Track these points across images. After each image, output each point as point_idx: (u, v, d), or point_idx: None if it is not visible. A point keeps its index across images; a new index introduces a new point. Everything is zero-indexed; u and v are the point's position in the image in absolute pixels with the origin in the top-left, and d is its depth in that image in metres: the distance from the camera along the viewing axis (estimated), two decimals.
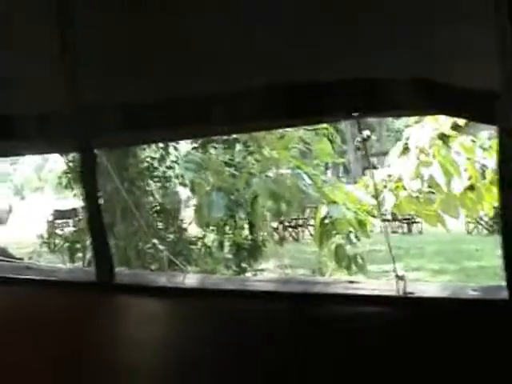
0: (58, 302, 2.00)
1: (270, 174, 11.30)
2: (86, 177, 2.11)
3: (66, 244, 15.53)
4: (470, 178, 7.79)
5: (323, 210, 9.66)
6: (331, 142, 11.40)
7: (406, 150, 8.23)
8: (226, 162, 12.67)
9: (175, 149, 14.73)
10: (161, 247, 9.81)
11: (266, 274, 14.09)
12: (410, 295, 1.93)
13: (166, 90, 2.28)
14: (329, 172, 25.97)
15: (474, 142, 7.79)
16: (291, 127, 9.71)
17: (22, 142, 2.68)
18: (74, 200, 18.63)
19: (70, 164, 15.07)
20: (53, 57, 2.05)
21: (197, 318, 1.92)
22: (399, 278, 1.95)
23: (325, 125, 10.49)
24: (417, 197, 8.19)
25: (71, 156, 14.80)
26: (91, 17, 1.96)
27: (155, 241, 9.99)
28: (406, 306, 1.92)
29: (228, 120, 2.27)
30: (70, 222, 21.92)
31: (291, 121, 2.70)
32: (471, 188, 7.85)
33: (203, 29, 1.97)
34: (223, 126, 2.44)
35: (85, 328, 1.98)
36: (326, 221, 9.58)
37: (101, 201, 2.20)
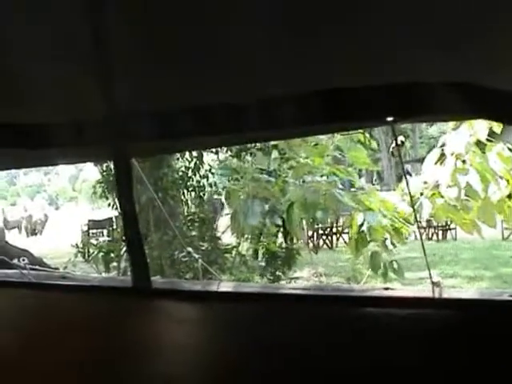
0: (95, 307, 2.00)
1: (305, 181, 11.27)
2: (121, 185, 2.10)
3: (101, 254, 15.60)
4: (507, 185, 7.71)
5: (359, 218, 9.62)
6: (366, 148, 11.34)
7: (442, 156, 8.17)
8: (261, 170, 12.66)
9: (210, 157, 14.77)
10: (195, 256, 9.82)
11: (300, 282, 14.06)
12: (451, 298, 1.91)
13: (202, 97, 2.28)
14: (363, 179, 25.89)
15: (510, 150, 7.70)
16: (326, 134, 9.70)
17: (57, 151, 2.69)
18: (108, 210, 18.72)
19: (105, 174, 15.14)
20: (88, 64, 2.06)
21: (235, 322, 1.92)
22: (435, 284, 1.94)
23: (360, 131, 10.46)
24: (454, 205, 8.12)
25: (105, 166, 14.90)
26: (127, 21, 1.97)
27: (189, 250, 10.00)
28: (447, 308, 1.90)
29: (264, 127, 2.27)
30: (105, 231, 22.03)
31: (327, 127, 2.69)
32: (509, 196, 7.77)
33: (241, 34, 1.97)
34: (259, 132, 2.44)
35: (122, 334, 1.98)
36: (362, 228, 9.53)
37: (136, 210, 2.20)
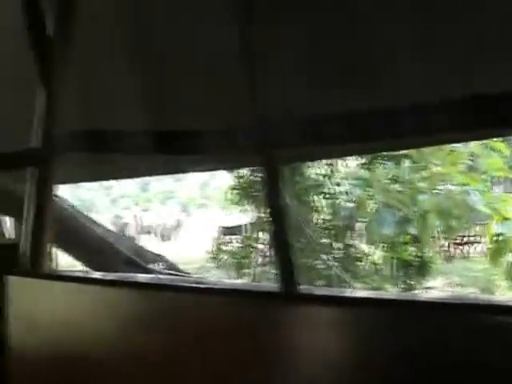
0: (241, 311, 2.01)
1: (439, 190, 11.11)
2: (270, 191, 2.15)
3: (233, 260, 15.79)
4: None
5: (495, 227, 9.43)
6: (502, 156, 11.10)
7: None
8: (393, 179, 12.57)
9: (343, 164, 14.72)
10: (330, 263, 9.85)
11: (433, 291, 13.84)
12: None
13: (346, 104, 2.31)
14: (499, 187, 25.14)
15: None
16: (461, 142, 9.51)
17: (205, 157, 2.77)
18: (240, 216, 18.89)
19: (238, 180, 15.31)
20: (234, 69, 2.12)
21: (377, 328, 1.92)
22: None
23: (494, 139, 10.22)
24: None
25: (238, 172, 15.08)
26: (274, 26, 2.06)
27: (325, 257, 10.05)
28: None
29: (416, 133, 2.28)
30: (237, 238, 22.22)
31: (463, 135, 2.67)
32: None
33: (389, 37, 2.02)
34: (409, 139, 2.46)
35: (269, 338, 1.99)
36: (498, 238, 9.34)
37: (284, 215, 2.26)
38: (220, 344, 1.95)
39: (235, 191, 15.99)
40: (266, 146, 2.11)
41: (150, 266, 10.02)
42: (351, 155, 10.11)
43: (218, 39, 2.24)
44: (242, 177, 15.18)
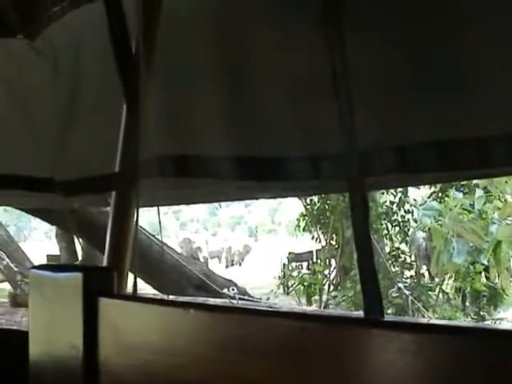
0: (327, 337, 1.97)
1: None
2: (357, 218, 2.12)
3: (303, 286, 15.79)
4: None
5: None
6: None
7: None
8: (465, 209, 12.43)
9: (414, 192, 14.65)
10: (406, 292, 9.76)
11: (505, 323, 13.60)
12: None
13: (441, 132, 2.27)
14: None
15: None
16: None
17: (288, 184, 2.76)
18: (309, 242, 18.88)
19: (308, 207, 15.34)
20: (326, 97, 2.11)
21: (456, 356, 1.88)
22: None
23: None
24: None
25: (309, 199, 15.11)
26: (364, 51, 2.05)
27: (400, 285, 9.97)
28: None
29: (476, 165, 2.25)
30: (305, 264, 22.20)
31: None
32: None
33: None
34: (472, 170, 2.42)
35: (354, 365, 1.95)
36: None
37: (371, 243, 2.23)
38: (307, 371, 1.94)
39: (305, 217, 15.98)
40: (354, 174, 2.07)
41: (221, 290, 10.10)
42: (433, 183, 10.02)
43: (307, 63, 2.24)
44: (311, 204, 15.17)
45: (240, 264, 35.76)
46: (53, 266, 1.96)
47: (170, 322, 1.29)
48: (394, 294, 11.16)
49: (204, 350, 1.22)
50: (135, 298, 1.70)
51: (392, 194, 14.25)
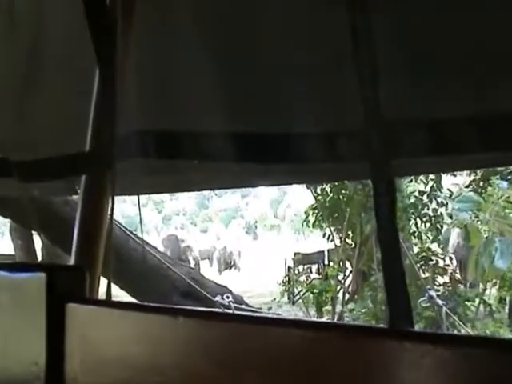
0: (349, 347, 2.00)
1: None
2: (381, 210, 2.12)
3: (312, 294, 15.78)
4: None
5: None
6: None
7: None
8: (511, 202, 12.42)
9: (449, 180, 14.60)
10: (439, 302, 9.75)
11: None
12: None
13: (486, 106, 2.28)
14: None
15: None
16: None
17: (303, 167, 2.75)
18: (320, 241, 18.88)
19: (319, 198, 15.29)
20: (341, 59, 2.11)
21: (489, 371, 1.89)
22: None
23: None
24: None
25: (320, 188, 15.08)
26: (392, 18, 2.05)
27: (432, 294, 9.96)
28: None
29: None
30: (315, 267, 22.23)
31: None
32: None
33: None
34: None
35: (378, 377, 1.98)
36: None
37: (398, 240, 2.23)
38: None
39: (315, 210, 15.92)
40: (378, 154, 2.08)
41: (213, 298, 10.10)
42: (472, 169, 10.02)
43: (321, 23, 2.24)
44: (323, 193, 15.12)
45: (235, 267, 35.79)
46: (10, 264, 1.96)
47: (154, 332, 1.29)
48: (423, 305, 11.14)
49: (196, 365, 1.22)
50: (110, 303, 1.69)
51: (422, 182, 14.16)
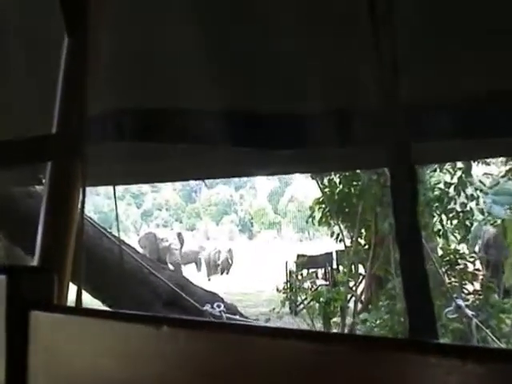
0: (370, 361, 2.05)
1: None
2: (400, 203, 2.14)
3: (318, 303, 15.78)
4: None
5: None
6: None
7: None
8: None
9: (481, 169, 14.59)
10: (469, 313, 9.75)
11: None
12: None
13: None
14: None
15: None
16: None
17: (298, 152, 2.77)
18: (327, 241, 18.91)
19: (327, 190, 15.29)
20: (355, 31, 2.13)
21: None
22: None
23: None
24: None
25: (327, 179, 15.08)
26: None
27: (460, 303, 9.96)
28: None
29: None
30: (321, 271, 22.31)
31: None
32: None
33: None
34: None
35: None
36: None
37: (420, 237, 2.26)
38: None
39: (322, 205, 15.91)
40: (398, 136, 2.11)
41: (202, 307, 10.11)
42: (508, 155, 10.04)
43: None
44: (332, 185, 15.12)
45: (228, 271, 35.82)
46: None
47: (134, 343, 1.30)
48: (450, 316, 11.15)
49: (182, 380, 1.23)
50: (81, 310, 1.70)
51: (448, 171, 14.12)
